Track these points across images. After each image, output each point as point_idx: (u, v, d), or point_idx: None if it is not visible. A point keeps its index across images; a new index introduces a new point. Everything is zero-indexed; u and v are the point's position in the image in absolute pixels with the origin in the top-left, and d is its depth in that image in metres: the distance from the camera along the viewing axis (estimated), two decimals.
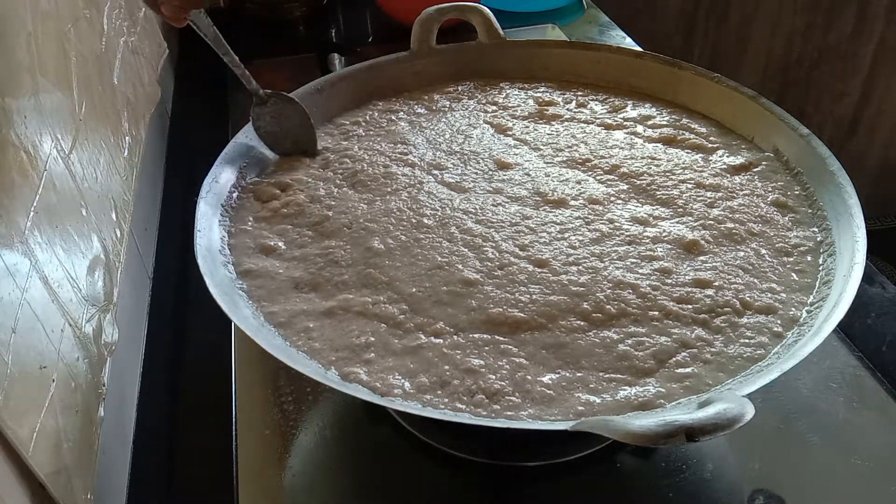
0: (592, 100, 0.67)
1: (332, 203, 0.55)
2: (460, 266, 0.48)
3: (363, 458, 0.49)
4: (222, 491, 0.46)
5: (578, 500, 0.46)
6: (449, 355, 0.43)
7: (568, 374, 0.42)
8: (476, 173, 0.58)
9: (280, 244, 0.52)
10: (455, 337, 0.44)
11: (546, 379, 0.42)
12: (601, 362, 0.42)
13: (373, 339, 0.44)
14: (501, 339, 0.44)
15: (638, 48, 0.86)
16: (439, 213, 0.54)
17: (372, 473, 0.48)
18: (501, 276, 0.48)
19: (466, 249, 0.50)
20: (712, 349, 0.43)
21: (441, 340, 0.44)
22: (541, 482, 0.47)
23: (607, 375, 0.42)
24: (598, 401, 0.40)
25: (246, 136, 0.59)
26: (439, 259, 0.49)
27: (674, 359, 0.42)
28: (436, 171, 0.59)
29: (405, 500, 0.46)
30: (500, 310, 0.45)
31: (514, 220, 0.53)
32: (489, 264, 0.49)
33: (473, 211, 0.54)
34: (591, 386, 0.41)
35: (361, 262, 0.50)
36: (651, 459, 0.47)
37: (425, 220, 0.53)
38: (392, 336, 0.44)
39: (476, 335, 0.44)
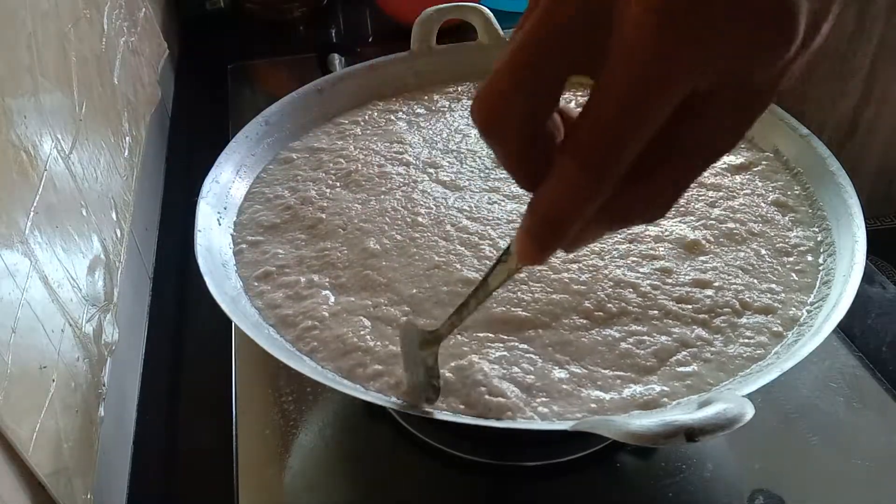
0: None
1: (325, 204, 0.55)
2: (458, 265, 0.48)
3: (363, 458, 0.49)
4: (222, 491, 0.46)
5: (578, 500, 0.46)
6: (455, 355, 0.43)
7: (578, 371, 0.42)
8: (472, 171, 0.58)
9: (279, 249, 0.52)
10: (459, 337, 0.44)
11: (556, 376, 0.42)
12: (604, 360, 0.42)
13: (377, 343, 0.44)
14: (507, 337, 0.44)
15: None
16: (434, 212, 0.54)
17: (372, 473, 0.48)
18: None
19: (463, 248, 0.50)
20: (712, 349, 0.43)
21: (444, 341, 0.44)
22: (541, 482, 0.47)
23: (612, 373, 0.42)
24: (607, 398, 0.40)
25: (246, 135, 0.59)
26: (436, 258, 0.49)
27: (674, 357, 0.43)
28: (431, 170, 0.59)
29: (405, 500, 0.46)
30: (504, 309, 0.45)
31: (510, 218, 0.53)
32: (487, 262, 0.49)
33: (468, 209, 0.54)
34: (599, 383, 0.41)
35: (358, 263, 0.50)
36: (651, 459, 0.47)
37: (420, 219, 0.53)
38: (396, 337, 0.44)
39: (481, 334, 0.44)
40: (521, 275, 0.47)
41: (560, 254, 0.49)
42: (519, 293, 0.46)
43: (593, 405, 0.40)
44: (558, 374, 0.42)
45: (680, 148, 0.23)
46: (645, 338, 0.44)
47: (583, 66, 0.22)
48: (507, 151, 0.24)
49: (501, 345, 0.43)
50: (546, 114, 0.24)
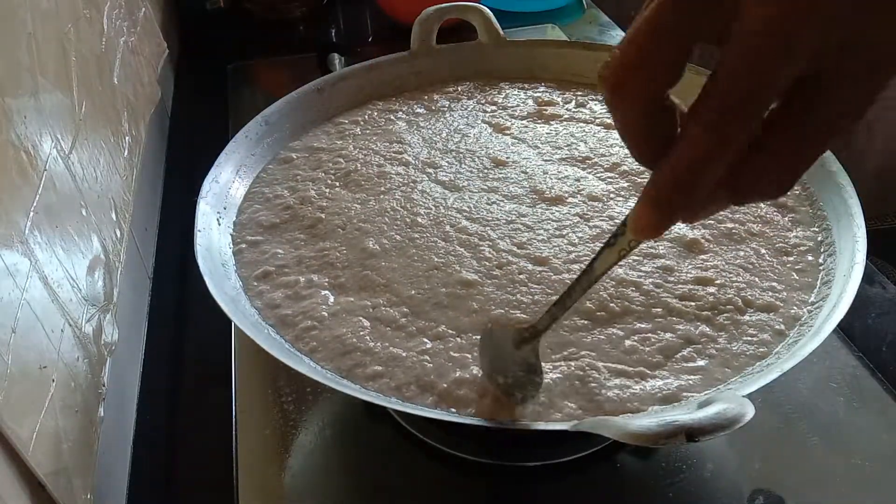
0: (592, 100, 0.67)
1: (325, 204, 0.55)
2: (457, 266, 0.48)
3: (363, 458, 0.49)
4: (222, 491, 0.46)
5: (578, 500, 0.46)
6: (456, 358, 0.43)
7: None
8: (471, 171, 0.58)
9: (278, 249, 0.52)
10: (458, 339, 0.44)
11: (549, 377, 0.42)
12: (608, 357, 0.42)
13: (377, 343, 0.44)
14: None
15: None
16: (433, 212, 0.54)
17: (372, 473, 0.48)
18: (500, 275, 0.48)
19: (462, 249, 0.50)
20: (716, 345, 0.43)
21: (443, 345, 0.44)
22: (541, 482, 0.47)
23: (618, 367, 0.42)
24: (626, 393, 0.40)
25: (246, 135, 0.59)
26: (436, 259, 0.49)
27: (679, 354, 0.43)
28: (430, 170, 0.59)
29: (405, 500, 0.46)
30: (503, 311, 0.45)
31: (509, 218, 0.53)
32: (487, 264, 0.49)
33: (467, 209, 0.54)
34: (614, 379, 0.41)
35: (357, 263, 0.50)
36: (651, 459, 0.47)
37: (419, 220, 0.53)
38: (395, 338, 0.44)
39: (479, 337, 0.44)
40: (521, 276, 0.47)
41: (560, 255, 0.49)
42: (518, 295, 0.46)
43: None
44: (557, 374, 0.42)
45: (801, 119, 0.23)
46: (649, 335, 0.44)
47: (707, 34, 0.23)
48: (631, 120, 0.25)
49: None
50: (671, 82, 0.24)
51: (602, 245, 0.31)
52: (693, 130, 0.24)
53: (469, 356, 0.43)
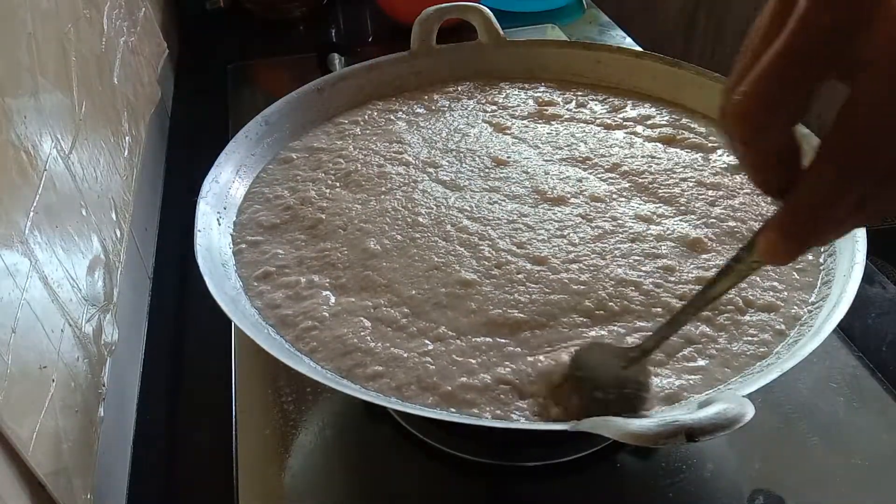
0: (592, 100, 0.67)
1: (325, 205, 0.55)
2: (457, 266, 0.48)
3: (363, 458, 0.49)
4: (222, 491, 0.46)
5: (578, 500, 0.46)
6: (458, 361, 0.43)
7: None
8: (471, 171, 0.58)
9: (279, 249, 0.52)
10: (458, 341, 0.44)
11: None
12: None
13: (377, 344, 0.44)
14: (503, 340, 0.44)
15: (638, 48, 0.86)
16: (434, 212, 0.54)
17: (372, 473, 0.48)
18: (499, 275, 0.48)
19: (462, 248, 0.50)
20: (717, 346, 0.43)
21: (444, 347, 0.44)
22: (541, 482, 0.47)
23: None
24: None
25: (246, 135, 0.59)
26: (436, 259, 0.49)
27: (680, 353, 0.43)
28: (430, 170, 0.59)
29: (405, 500, 0.46)
30: (500, 311, 0.45)
31: (510, 218, 0.53)
32: (486, 263, 0.49)
33: (468, 209, 0.54)
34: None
35: (359, 264, 0.49)
36: (651, 459, 0.47)
37: (420, 220, 0.53)
38: (396, 339, 0.44)
39: (478, 339, 0.44)
40: (519, 276, 0.47)
41: (560, 254, 0.49)
42: (516, 294, 0.46)
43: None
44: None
45: None
46: (650, 334, 0.43)
47: (839, 70, 0.23)
48: (766, 156, 0.25)
49: (499, 351, 0.43)
50: (801, 118, 0.25)
51: (719, 270, 0.32)
52: (825, 169, 0.24)
53: (472, 360, 0.43)
